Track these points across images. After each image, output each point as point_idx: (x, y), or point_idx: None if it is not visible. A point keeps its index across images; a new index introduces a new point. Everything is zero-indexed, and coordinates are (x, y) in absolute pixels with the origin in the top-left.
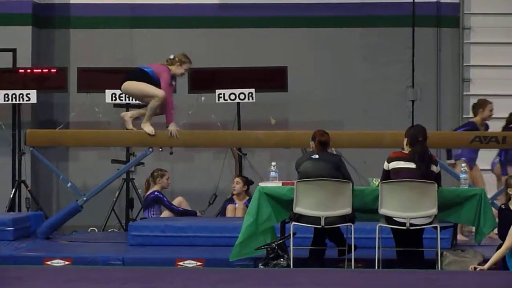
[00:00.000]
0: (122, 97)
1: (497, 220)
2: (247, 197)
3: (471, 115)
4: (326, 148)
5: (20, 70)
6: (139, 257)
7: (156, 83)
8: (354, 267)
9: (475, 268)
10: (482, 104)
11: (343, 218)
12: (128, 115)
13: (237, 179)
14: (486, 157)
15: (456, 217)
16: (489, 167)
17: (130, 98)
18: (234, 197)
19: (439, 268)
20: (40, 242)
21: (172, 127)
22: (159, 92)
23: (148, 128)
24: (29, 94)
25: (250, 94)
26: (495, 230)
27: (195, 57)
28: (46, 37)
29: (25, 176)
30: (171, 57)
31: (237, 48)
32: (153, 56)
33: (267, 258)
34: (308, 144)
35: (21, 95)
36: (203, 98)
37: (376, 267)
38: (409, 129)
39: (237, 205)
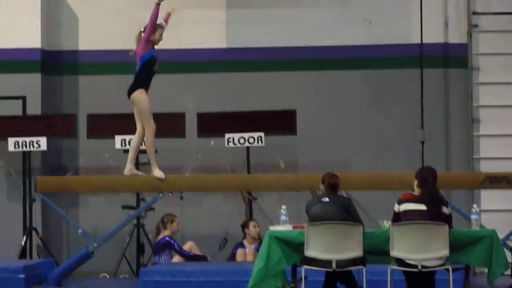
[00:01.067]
0: (131, 142)
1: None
2: (258, 241)
3: (481, 155)
4: (336, 190)
5: (30, 117)
6: None
7: (148, 60)
8: None
9: None
10: None
11: (354, 261)
12: (129, 169)
13: (255, 222)
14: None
15: (468, 258)
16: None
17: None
18: (245, 241)
19: None
20: None
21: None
22: (152, 124)
23: (158, 173)
24: (39, 141)
25: (259, 138)
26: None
27: (203, 101)
28: (55, 84)
29: (36, 223)
30: (141, 30)
31: (245, 91)
32: (162, 102)
33: None
34: (317, 186)
35: (31, 142)
36: (212, 143)
37: None
38: (419, 171)
39: (247, 249)
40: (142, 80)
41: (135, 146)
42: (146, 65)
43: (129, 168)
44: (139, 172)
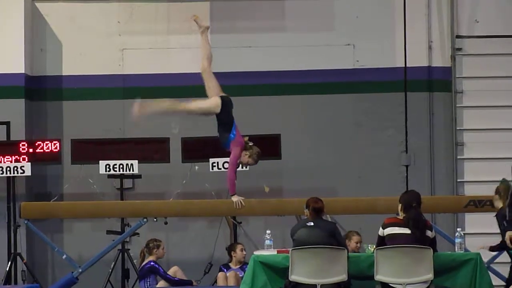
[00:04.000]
0: (116, 167)
1: None
2: (241, 264)
3: (465, 179)
4: (321, 215)
5: (14, 143)
6: None
7: (227, 140)
8: None
9: None
10: None
11: (339, 286)
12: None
13: (242, 246)
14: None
15: (452, 282)
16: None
17: (124, 169)
18: (230, 264)
19: None
20: None
21: (235, 198)
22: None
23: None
24: (23, 166)
25: None
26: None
27: (187, 126)
28: (39, 109)
29: (21, 249)
30: (250, 144)
31: None
32: (146, 127)
33: None
34: (302, 211)
35: (15, 168)
36: (196, 167)
37: None
38: (403, 195)
39: (229, 271)
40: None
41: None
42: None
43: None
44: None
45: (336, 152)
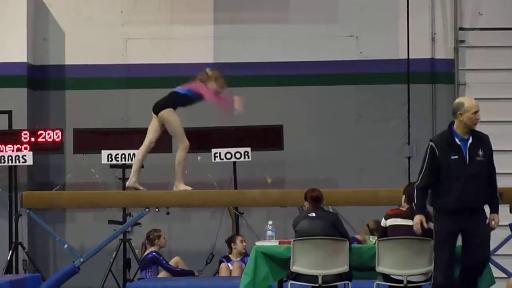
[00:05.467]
0: (118, 157)
1: None
2: (241, 256)
3: None
4: (320, 203)
5: (16, 132)
6: None
7: (198, 99)
8: None
9: None
10: None
11: (340, 276)
12: (133, 181)
13: (242, 237)
14: None
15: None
16: None
17: (126, 159)
18: (231, 255)
19: None
20: None
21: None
22: (186, 142)
23: (183, 187)
24: (25, 156)
25: (246, 153)
26: None
27: (190, 117)
28: (41, 99)
29: (22, 238)
30: (208, 72)
31: None
32: (148, 117)
33: None
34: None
35: (17, 157)
36: (199, 158)
37: None
38: (407, 187)
39: (232, 263)
40: (176, 103)
41: (140, 158)
42: (189, 99)
43: (133, 180)
44: (141, 187)
45: (338, 143)
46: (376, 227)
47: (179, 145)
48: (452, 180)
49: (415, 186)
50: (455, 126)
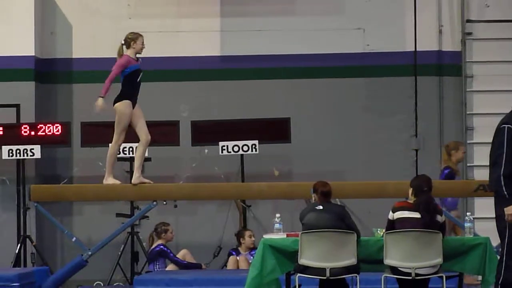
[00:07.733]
0: (125, 151)
1: None
2: (250, 250)
3: (475, 163)
4: (329, 198)
5: (24, 126)
6: None
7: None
8: None
9: None
10: (455, 147)
11: (348, 269)
12: (137, 177)
13: (250, 232)
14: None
15: (461, 266)
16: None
17: (133, 152)
18: (240, 249)
19: None
20: None
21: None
22: (120, 139)
23: (111, 181)
24: (33, 149)
25: (253, 146)
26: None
27: (198, 109)
28: (48, 92)
29: (30, 231)
30: (122, 42)
31: (239, 100)
32: (156, 110)
33: None
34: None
35: (25, 151)
36: (206, 151)
37: None
38: (414, 179)
39: (240, 256)
40: (127, 92)
41: (141, 154)
42: (128, 79)
43: (137, 176)
44: (146, 180)
45: (345, 136)
46: (456, 145)
47: (114, 138)
48: None
49: (498, 174)
50: None
